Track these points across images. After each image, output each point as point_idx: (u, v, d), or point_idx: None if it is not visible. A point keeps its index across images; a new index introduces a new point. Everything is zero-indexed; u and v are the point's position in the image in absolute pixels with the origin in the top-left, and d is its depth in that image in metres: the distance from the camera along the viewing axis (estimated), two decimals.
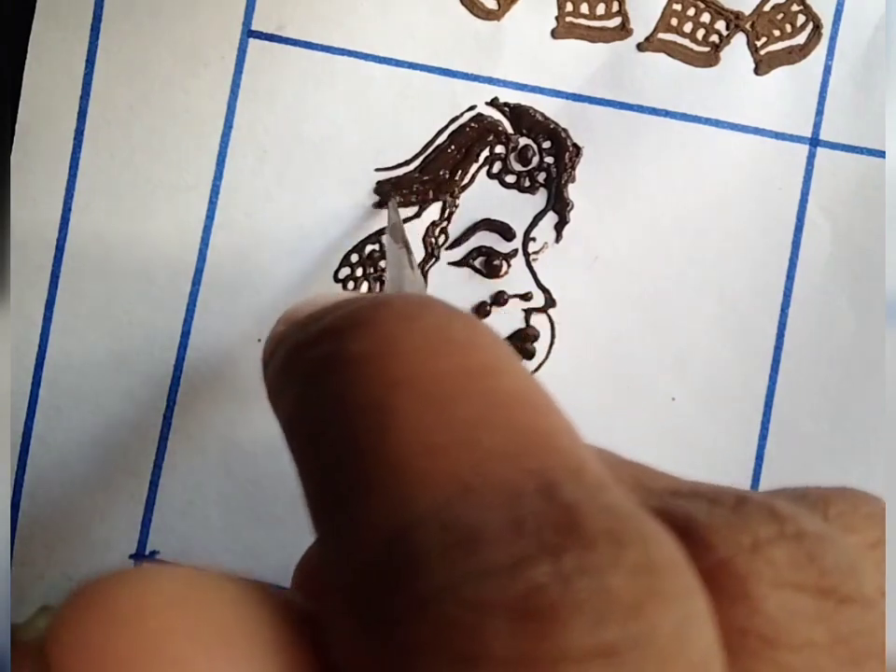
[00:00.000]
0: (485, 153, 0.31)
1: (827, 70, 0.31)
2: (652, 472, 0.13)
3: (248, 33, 0.31)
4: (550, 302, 0.31)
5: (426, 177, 0.31)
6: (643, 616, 0.09)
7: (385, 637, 0.10)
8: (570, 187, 0.31)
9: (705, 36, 0.31)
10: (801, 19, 0.31)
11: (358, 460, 0.11)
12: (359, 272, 0.31)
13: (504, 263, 0.31)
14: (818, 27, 0.31)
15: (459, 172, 0.31)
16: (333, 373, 0.12)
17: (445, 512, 0.10)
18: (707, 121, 0.31)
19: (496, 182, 0.31)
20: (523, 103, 0.31)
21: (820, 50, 0.31)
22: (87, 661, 0.10)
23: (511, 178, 0.31)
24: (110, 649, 0.10)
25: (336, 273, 0.31)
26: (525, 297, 0.31)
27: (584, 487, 0.10)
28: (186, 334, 0.31)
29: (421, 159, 0.31)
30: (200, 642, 0.10)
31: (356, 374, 0.12)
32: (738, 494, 0.12)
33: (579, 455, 0.11)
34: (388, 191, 0.31)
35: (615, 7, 0.31)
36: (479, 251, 0.31)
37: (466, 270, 0.31)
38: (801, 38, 0.31)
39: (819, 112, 0.31)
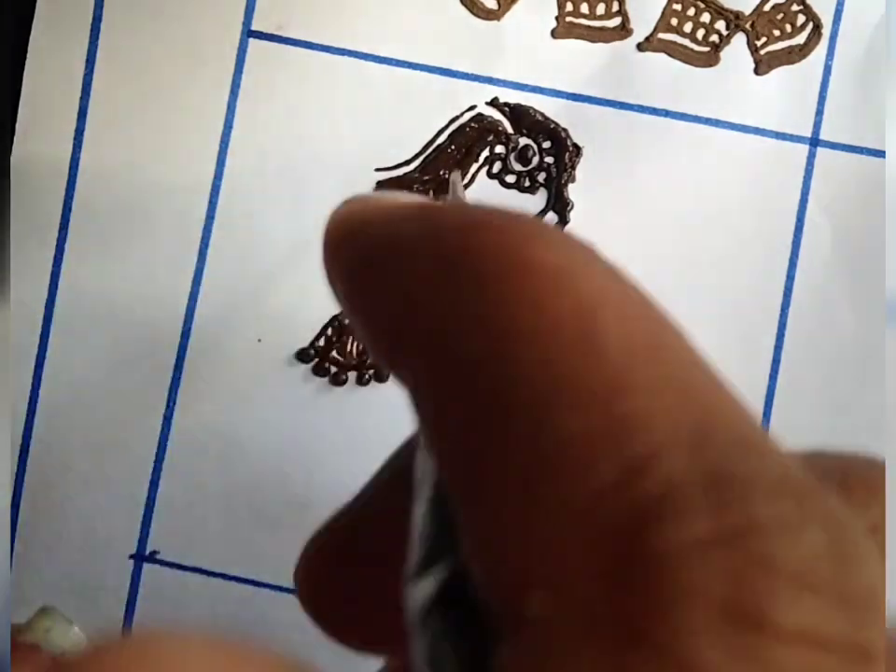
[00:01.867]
0: (485, 153, 0.31)
1: (827, 70, 0.31)
2: None
3: (248, 33, 0.31)
4: None
5: (426, 177, 0.31)
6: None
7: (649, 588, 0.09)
8: (570, 187, 0.31)
9: (705, 36, 0.31)
10: (801, 19, 0.31)
11: (566, 378, 0.10)
12: None
13: None
14: (818, 27, 0.31)
15: (459, 172, 0.31)
16: (509, 272, 0.10)
17: (693, 449, 0.09)
18: (707, 121, 0.31)
19: (496, 182, 0.31)
20: (523, 103, 0.31)
21: (820, 50, 0.31)
22: None
23: (511, 178, 0.31)
24: None
25: None
26: None
27: (790, 459, 0.10)
28: (186, 334, 0.31)
29: (421, 159, 0.31)
30: None
31: (549, 282, 0.10)
32: (864, 456, 0.12)
33: (760, 427, 0.11)
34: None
35: (615, 7, 0.31)
36: None
37: None
38: (801, 38, 0.31)
39: (819, 112, 0.31)
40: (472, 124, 0.31)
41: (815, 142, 0.31)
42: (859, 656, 0.09)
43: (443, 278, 0.11)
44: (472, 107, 0.31)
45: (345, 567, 0.15)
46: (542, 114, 0.31)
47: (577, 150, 0.31)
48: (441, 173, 0.31)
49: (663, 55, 0.31)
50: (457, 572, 0.10)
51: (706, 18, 0.31)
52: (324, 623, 0.15)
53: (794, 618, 0.08)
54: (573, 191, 0.31)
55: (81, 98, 0.31)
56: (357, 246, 0.13)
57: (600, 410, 0.10)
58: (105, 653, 0.09)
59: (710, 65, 0.31)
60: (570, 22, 0.31)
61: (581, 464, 0.09)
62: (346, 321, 0.31)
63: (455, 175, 0.30)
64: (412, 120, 0.31)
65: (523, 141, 0.31)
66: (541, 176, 0.31)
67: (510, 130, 0.31)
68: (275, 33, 0.31)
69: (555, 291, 0.10)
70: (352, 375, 0.31)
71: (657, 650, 0.08)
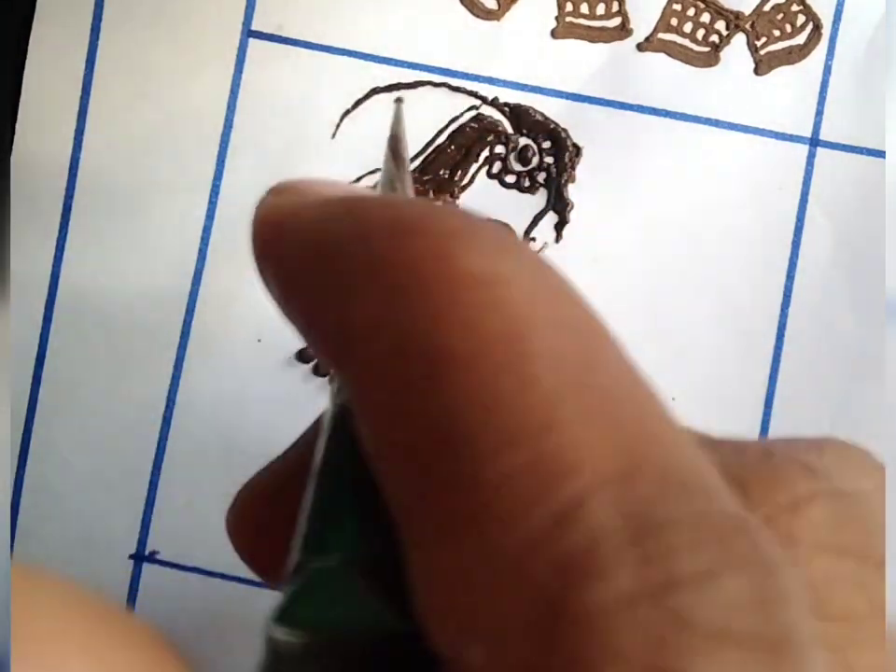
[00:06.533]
0: (485, 153, 0.31)
1: (827, 70, 0.31)
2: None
3: (248, 33, 0.31)
4: None
5: (426, 177, 0.31)
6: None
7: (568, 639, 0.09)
8: (570, 187, 0.31)
9: (705, 36, 0.31)
10: (801, 19, 0.31)
11: (492, 411, 0.09)
12: None
13: None
14: (818, 27, 0.31)
15: (459, 172, 0.31)
16: (439, 281, 0.10)
17: (619, 492, 0.09)
18: (707, 121, 0.31)
19: (496, 182, 0.31)
20: (523, 103, 0.31)
21: (820, 50, 0.31)
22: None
23: (510, 178, 0.31)
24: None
25: None
26: None
27: (720, 490, 0.10)
28: (185, 334, 0.31)
29: (421, 159, 0.31)
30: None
31: (478, 297, 0.09)
32: (762, 446, 0.11)
33: (692, 450, 0.10)
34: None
35: (615, 7, 0.31)
36: None
37: None
38: (801, 38, 0.31)
39: (819, 112, 0.31)
40: (472, 124, 0.31)
41: (815, 142, 0.31)
42: None
43: (375, 287, 0.10)
44: (472, 107, 0.31)
45: (270, 509, 0.15)
46: (542, 114, 0.31)
47: (577, 150, 0.31)
48: (441, 173, 0.31)
49: (663, 55, 0.31)
50: (350, 560, 0.10)
51: (706, 18, 0.31)
52: (248, 557, 0.15)
53: None
54: (573, 191, 0.31)
55: (81, 98, 0.31)
56: (286, 247, 0.12)
57: (531, 447, 0.09)
58: None
59: (710, 65, 0.31)
60: (570, 22, 0.31)
61: (514, 508, 0.09)
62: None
63: (398, 107, 0.27)
64: (411, 120, 0.31)
65: (522, 141, 0.31)
66: (541, 176, 0.31)
67: (509, 130, 0.31)
68: (275, 33, 0.31)
69: (484, 307, 0.09)
70: None
71: None
